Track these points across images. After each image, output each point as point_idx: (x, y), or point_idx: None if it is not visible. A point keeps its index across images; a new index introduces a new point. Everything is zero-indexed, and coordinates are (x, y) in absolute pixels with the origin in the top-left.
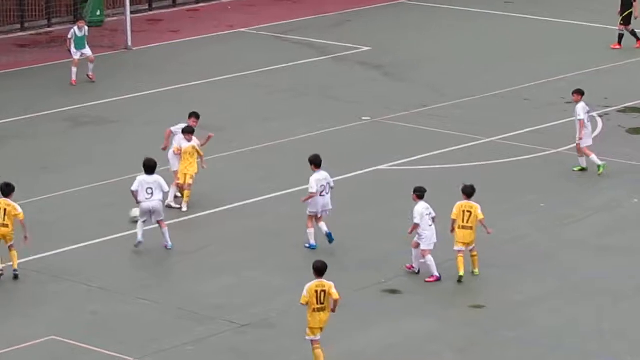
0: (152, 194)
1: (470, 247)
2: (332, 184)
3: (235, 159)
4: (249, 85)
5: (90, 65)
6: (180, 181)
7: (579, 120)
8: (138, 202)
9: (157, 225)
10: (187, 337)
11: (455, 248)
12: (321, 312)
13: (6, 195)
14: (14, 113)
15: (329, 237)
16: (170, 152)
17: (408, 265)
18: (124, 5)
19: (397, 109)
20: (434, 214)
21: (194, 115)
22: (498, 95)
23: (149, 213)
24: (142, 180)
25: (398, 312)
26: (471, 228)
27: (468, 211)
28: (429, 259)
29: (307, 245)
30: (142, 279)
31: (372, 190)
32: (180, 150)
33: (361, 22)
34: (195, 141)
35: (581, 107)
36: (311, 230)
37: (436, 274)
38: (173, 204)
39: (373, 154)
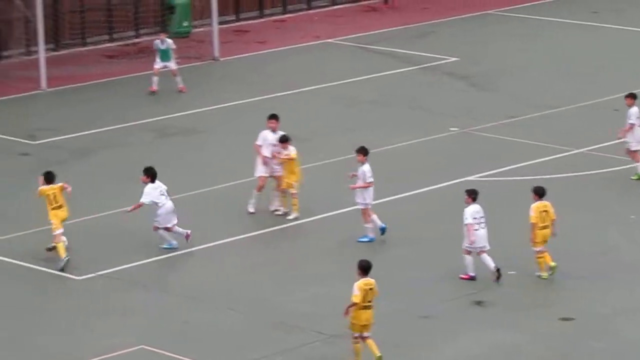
0: (166, 195)
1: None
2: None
3: (322, 169)
4: (334, 96)
5: (177, 79)
6: (284, 186)
7: (630, 124)
8: (159, 206)
9: (243, 236)
10: (276, 347)
11: (537, 249)
12: (368, 310)
13: (51, 182)
14: (102, 124)
15: (383, 230)
16: (258, 160)
17: (463, 275)
18: (210, 16)
19: (484, 120)
20: (483, 217)
21: (274, 117)
22: (587, 105)
23: (174, 212)
24: (152, 188)
25: (484, 323)
26: (548, 227)
27: (544, 211)
28: (468, 259)
29: (366, 239)
30: (231, 289)
31: (461, 201)
32: (281, 157)
33: (448, 32)
34: (292, 149)
35: (634, 112)
36: (369, 225)
37: (471, 273)
38: (272, 208)
39: (461, 165)
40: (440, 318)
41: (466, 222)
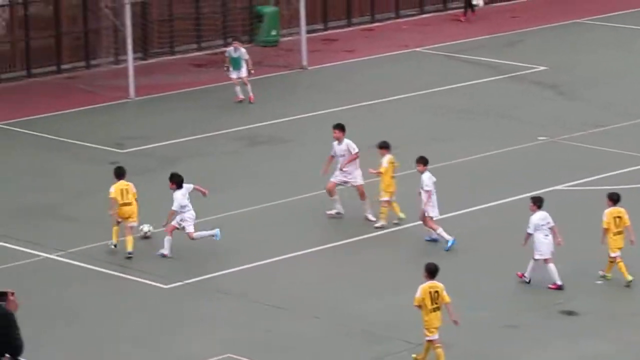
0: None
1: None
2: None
3: (411, 178)
4: (422, 105)
5: (248, 87)
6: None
7: None
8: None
9: (327, 245)
10: (362, 356)
11: (613, 254)
12: (437, 312)
13: (121, 177)
14: (190, 132)
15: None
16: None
17: (519, 273)
18: (299, 25)
19: (573, 129)
20: (552, 224)
21: (338, 127)
22: None
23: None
24: (180, 194)
25: (575, 334)
26: (622, 233)
27: (618, 217)
28: (550, 267)
29: (450, 243)
30: (315, 297)
31: (549, 210)
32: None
33: (536, 41)
34: (387, 158)
35: None
36: (440, 230)
37: (558, 282)
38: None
39: (549, 174)
40: (526, 328)
41: (528, 230)
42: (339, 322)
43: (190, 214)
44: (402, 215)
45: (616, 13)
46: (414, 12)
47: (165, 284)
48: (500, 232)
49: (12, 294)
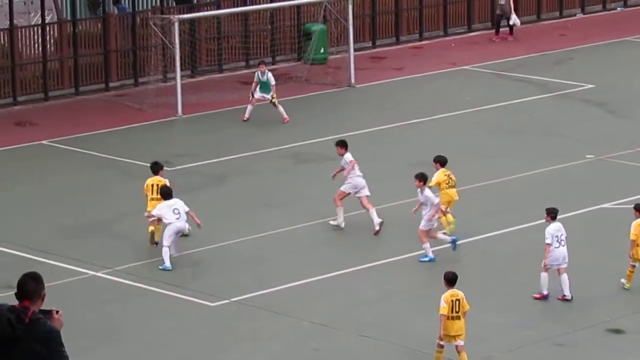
0: (179, 214)
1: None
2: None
3: (463, 194)
4: (470, 123)
5: (279, 109)
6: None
7: None
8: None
9: (374, 263)
10: None
11: (632, 263)
12: (457, 320)
13: (156, 173)
14: (238, 150)
15: (454, 244)
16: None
17: (536, 295)
18: (347, 43)
19: (621, 147)
20: (565, 234)
21: (338, 144)
22: None
23: (177, 234)
24: (166, 206)
25: (622, 352)
26: None
27: None
28: (543, 276)
29: (426, 259)
30: (362, 315)
31: (597, 228)
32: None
33: (584, 59)
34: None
35: None
36: (427, 245)
37: (545, 292)
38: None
39: (598, 192)
40: (573, 346)
41: (546, 241)
42: (386, 340)
43: (169, 227)
44: (450, 227)
45: None
46: (462, 30)
47: (212, 302)
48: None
49: (57, 312)
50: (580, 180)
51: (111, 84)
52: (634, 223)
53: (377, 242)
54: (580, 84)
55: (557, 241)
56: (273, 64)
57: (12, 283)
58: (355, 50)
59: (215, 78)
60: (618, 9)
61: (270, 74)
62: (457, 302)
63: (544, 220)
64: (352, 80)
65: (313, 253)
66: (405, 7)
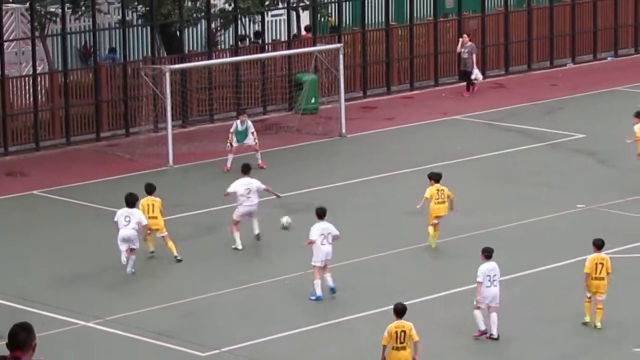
0: (129, 222)
1: (601, 299)
2: (334, 234)
3: (453, 245)
4: (461, 172)
5: (257, 154)
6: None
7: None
8: (118, 229)
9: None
10: None
11: (588, 294)
12: (401, 351)
13: (150, 193)
14: (229, 200)
15: (332, 291)
16: None
17: (475, 334)
18: (338, 93)
19: (612, 197)
20: (498, 275)
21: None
22: None
23: (124, 240)
24: (120, 211)
25: None
26: (603, 279)
27: (600, 263)
28: (476, 313)
29: (313, 297)
30: None
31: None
32: None
33: (575, 109)
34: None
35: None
36: (318, 282)
37: (482, 328)
38: None
39: (588, 242)
40: None
41: (478, 279)
42: None
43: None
44: (432, 244)
45: None
46: (453, 80)
47: (203, 352)
48: (539, 298)
49: None
50: (571, 230)
51: (102, 134)
52: (589, 257)
53: (369, 292)
54: (571, 133)
55: (489, 280)
56: (264, 113)
57: (3, 333)
58: (346, 100)
59: (206, 128)
60: (608, 58)
61: (250, 123)
62: (403, 333)
63: (534, 270)
64: (343, 130)
65: (303, 303)
66: (396, 57)
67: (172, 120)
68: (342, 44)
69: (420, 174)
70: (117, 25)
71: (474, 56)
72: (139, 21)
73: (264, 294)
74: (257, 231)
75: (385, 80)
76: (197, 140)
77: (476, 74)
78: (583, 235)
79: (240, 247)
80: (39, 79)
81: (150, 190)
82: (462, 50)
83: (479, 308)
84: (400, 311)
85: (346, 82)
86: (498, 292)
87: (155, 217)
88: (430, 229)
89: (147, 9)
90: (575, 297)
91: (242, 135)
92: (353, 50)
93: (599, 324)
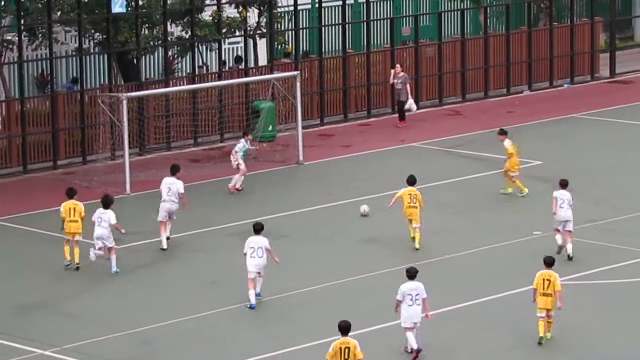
0: (100, 220)
1: (550, 314)
2: (266, 247)
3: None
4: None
5: (239, 177)
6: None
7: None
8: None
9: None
10: None
11: (538, 314)
12: None
13: (71, 197)
14: (186, 228)
15: (258, 295)
16: None
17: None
18: (296, 121)
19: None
20: (424, 296)
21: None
22: None
23: (97, 238)
24: (98, 212)
25: None
26: (551, 295)
27: (548, 280)
28: (409, 335)
29: (249, 305)
30: None
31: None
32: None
33: (532, 136)
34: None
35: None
36: (252, 292)
37: (415, 347)
38: None
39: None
40: None
41: (397, 297)
42: None
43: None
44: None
45: (610, 108)
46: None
47: None
48: (496, 327)
49: None
50: (527, 257)
51: (60, 162)
52: (537, 274)
53: (332, 317)
54: (528, 160)
55: (411, 300)
56: (221, 141)
57: None
58: (303, 127)
59: (164, 156)
60: (565, 86)
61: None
62: (347, 350)
63: (490, 298)
64: (301, 158)
65: (264, 329)
66: (354, 85)
67: (130, 148)
68: (299, 72)
69: (378, 201)
70: (74, 53)
71: (408, 86)
72: (96, 49)
73: (223, 321)
74: (169, 234)
75: (342, 108)
76: (155, 168)
77: (410, 104)
78: (540, 262)
79: (165, 247)
80: None
81: (70, 194)
82: (396, 81)
83: (410, 329)
84: (344, 329)
85: (304, 109)
86: (420, 310)
87: (76, 221)
88: (410, 229)
89: (104, 37)
90: (533, 324)
91: (245, 155)
92: (310, 78)
93: (549, 335)
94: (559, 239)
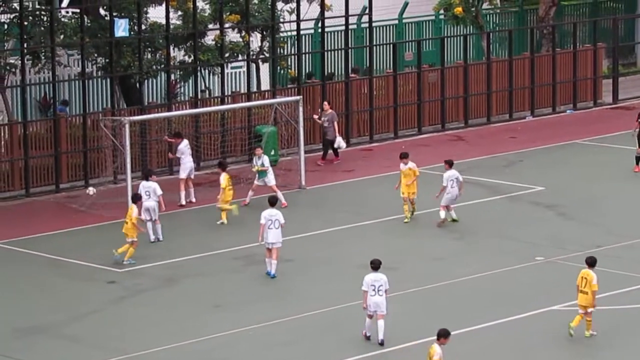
0: (149, 196)
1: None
2: (281, 221)
3: (412, 297)
4: (420, 225)
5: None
6: (404, 195)
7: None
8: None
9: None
10: None
11: (579, 310)
12: None
13: (135, 203)
14: (189, 252)
15: (272, 276)
16: None
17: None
18: (298, 145)
19: (571, 249)
20: (387, 287)
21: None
22: None
23: (148, 211)
24: (142, 185)
25: None
26: (587, 293)
27: (585, 278)
28: (367, 321)
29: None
30: None
31: (544, 331)
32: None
33: (534, 162)
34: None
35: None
36: (268, 260)
37: (367, 333)
38: None
39: (546, 294)
40: None
41: (362, 288)
42: None
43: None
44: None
45: (612, 134)
46: (413, 132)
47: None
48: (499, 353)
49: None
50: (529, 283)
51: (62, 186)
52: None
53: (337, 343)
54: (530, 186)
55: (374, 290)
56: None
57: None
58: (305, 152)
59: (166, 180)
60: (567, 111)
61: (265, 157)
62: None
63: (492, 323)
64: (303, 182)
65: (268, 355)
66: (356, 109)
67: (132, 172)
68: (301, 96)
69: (380, 226)
70: (76, 76)
71: (335, 124)
72: (99, 73)
73: (226, 346)
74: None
75: (344, 133)
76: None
77: (339, 142)
78: (542, 288)
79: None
80: None
81: (134, 199)
82: (323, 119)
83: (370, 316)
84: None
85: (306, 134)
86: (383, 300)
87: (126, 223)
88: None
89: (107, 60)
90: (539, 351)
91: (262, 172)
92: (312, 103)
93: (587, 333)
94: (442, 214)
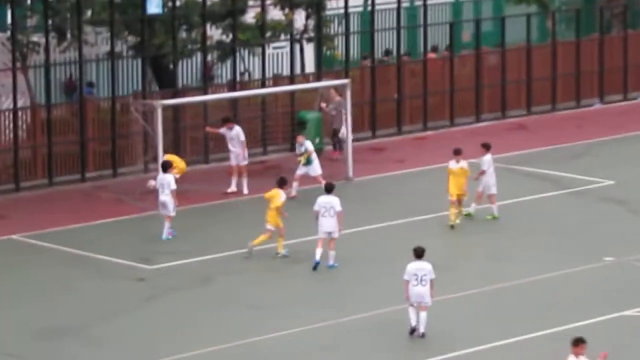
0: (161, 189)
1: None
2: (337, 208)
3: (468, 300)
4: (476, 221)
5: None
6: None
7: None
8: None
9: None
10: None
11: None
12: None
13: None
14: (225, 248)
15: (332, 266)
16: None
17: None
18: (346, 133)
19: None
20: (431, 277)
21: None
22: None
23: (161, 205)
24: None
25: None
26: None
27: None
28: (410, 310)
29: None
30: None
31: (617, 338)
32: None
33: (603, 154)
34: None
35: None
36: (319, 250)
37: (413, 323)
38: None
39: (617, 298)
40: None
41: (404, 277)
42: None
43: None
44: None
45: None
46: (470, 121)
47: None
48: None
49: None
50: (597, 286)
51: (88, 175)
52: None
53: (381, 350)
54: (598, 179)
55: (416, 279)
56: (264, 154)
57: None
58: (353, 140)
59: (200, 169)
60: (639, 98)
61: (307, 143)
62: None
63: (558, 329)
64: (350, 174)
65: (307, 359)
66: (408, 94)
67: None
68: (349, 80)
69: (433, 222)
70: (105, 56)
71: (343, 113)
72: (129, 53)
73: (265, 349)
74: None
75: (396, 120)
76: (191, 182)
77: (343, 133)
78: (611, 291)
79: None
80: (19, 114)
81: (280, 183)
82: (330, 107)
83: (410, 305)
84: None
85: (353, 121)
86: (427, 291)
87: (270, 209)
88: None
89: (138, 39)
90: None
91: (308, 159)
92: (362, 87)
93: None
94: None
